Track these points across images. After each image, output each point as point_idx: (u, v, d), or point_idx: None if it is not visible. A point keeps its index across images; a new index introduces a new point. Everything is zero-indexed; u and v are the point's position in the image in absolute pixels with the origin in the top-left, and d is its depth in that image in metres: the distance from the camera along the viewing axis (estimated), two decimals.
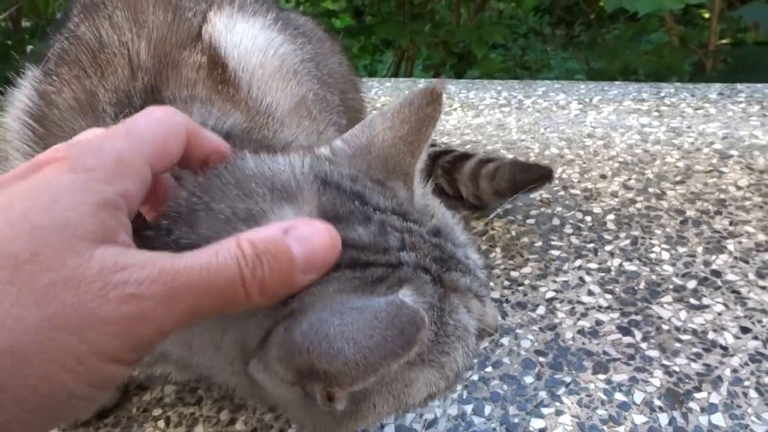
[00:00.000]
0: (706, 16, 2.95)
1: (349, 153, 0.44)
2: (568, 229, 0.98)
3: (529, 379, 0.74)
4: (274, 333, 0.35)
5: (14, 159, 0.55)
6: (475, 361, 0.48)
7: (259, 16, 0.66)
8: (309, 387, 0.35)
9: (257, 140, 0.52)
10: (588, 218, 1.00)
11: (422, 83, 1.66)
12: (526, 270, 0.91)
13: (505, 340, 0.80)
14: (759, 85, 1.34)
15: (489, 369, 0.76)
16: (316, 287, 0.36)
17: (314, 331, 0.33)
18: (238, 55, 0.58)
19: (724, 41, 2.81)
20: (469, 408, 0.72)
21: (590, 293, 0.85)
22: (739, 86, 1.36)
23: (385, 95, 1.59)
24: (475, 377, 0.75)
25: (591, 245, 0.94)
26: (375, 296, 0.36)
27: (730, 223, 0.94)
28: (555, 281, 0.88)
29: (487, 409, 0.71)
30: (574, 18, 3.69)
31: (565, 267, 0.91)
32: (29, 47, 2.52)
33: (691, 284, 0.84)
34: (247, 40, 0.60)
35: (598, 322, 0.81)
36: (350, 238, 0.38)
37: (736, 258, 0.87)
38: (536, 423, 0.69)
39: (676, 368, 0.73)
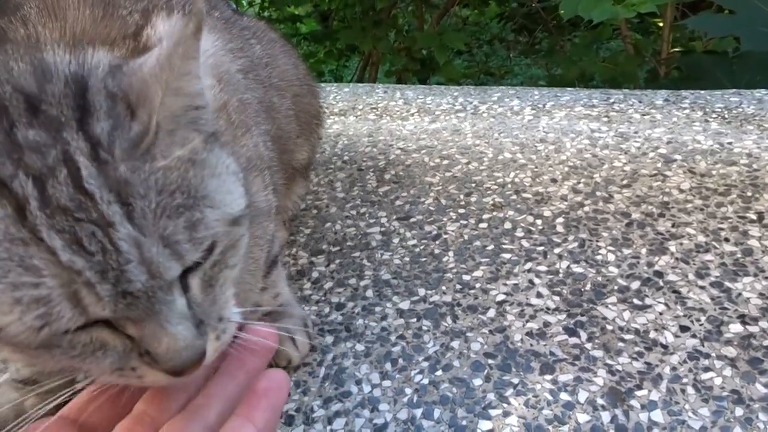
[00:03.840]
0: (660, 25, 3.05)
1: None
2: (519, 233, 1.00)
3: (477, 382, 0.75)
4: None
5: None
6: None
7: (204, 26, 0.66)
8: None
9: None
10: (538, 222, 1.02)
11: (380, 89, 1.67)
12: (477, 273, 0.93)
13: (455, 344, 0.81)
14: (703, 92, 1.40)
15: (439, 372, 0.77)
16: None
17: None
18: None
19: (676, 50, 2.90)
20: (418, 412, 0.72)
21: (539, 295, 0.87)
22: (684, 93, 1.40)
23: (343, 100, 1.59)
24: (426, 381, 0.76)
25: (541, 248, 0.96)
26: None
27: (673, 225, 0.97)
28: (505, 284, 0.90)
29: (437, 413, 0.72)
30: (536, 25, 3.77)
31: (516, 270, 0.92)
32: None
33: (635, 285, 0.87)
34: None
35: (546, 324, 0.82)
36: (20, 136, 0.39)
37: (677, 259, 0.90)
38: (484, 425, 0.70)
39: (619, 367, 0.75)
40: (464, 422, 0.71)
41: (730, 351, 0.75)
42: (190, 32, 0.41)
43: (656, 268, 0.89)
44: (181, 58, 0.41)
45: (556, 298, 0.86)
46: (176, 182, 0.41)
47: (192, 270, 0.43)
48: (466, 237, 1.01)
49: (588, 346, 0.78)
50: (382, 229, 1.06)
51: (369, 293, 0.91)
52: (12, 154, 0.37)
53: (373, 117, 1.49)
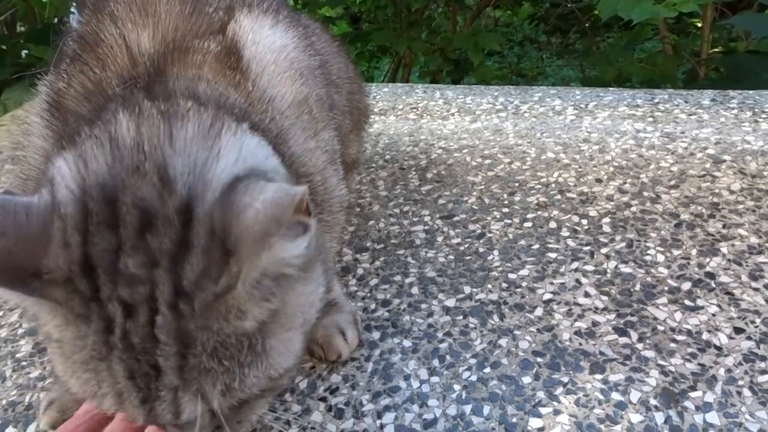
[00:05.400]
0: (698, 25, 2.99)
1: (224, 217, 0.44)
2: (564, 232, 0.99)
3: (527, 380, 0.75)
4: None
5: (32, 145, 0.61)
6: None
7: (281, 23, 0.70)
8: None
9: (255, 122, 0.56)
10: (584, 221, 1.01)
11: (420, 89, 1.68)
12: (523, 272, 0.92)
13: (503, 341, 0.81)
14: (751, 92, 1.37)
15: (487, 369, 0.77)
16: None
17: None
18: (256, 50, 0.62)
19: (716, 50, 2.84)
20: (467, 408, 0.72)
21: (587, 295, 0.87)
22: (731, 93, 1.38)
23: (383, 100, 1.60)
24: (474, 378, 0.76)
25: (587, 248, 0.95)
26: None
27: (724, 227, 0.95)
28: (552, 283, 0.89)
29: (486, 409, 0.72)
30: (569, 26, 3.73)
31: (562, 269, 0.92)
32: (24, 52, 2.55)
33: (686, 286, 0.86)
34: (267, 41, 0.64)
35: (595, 323, 0.82)
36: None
37: (729, 260, 0.89)
38: (534, 422, 0.70)
39: (672, 368, 0.74)
40: (514, 419, 0.70)
41: None
42: (287, 204, 0.39)
43: (708, 269, 0.88)
44: (277, 224, 0.39)
45: (605, 297, 0.86)
46: (234, 347, 0.43)
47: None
48: (510, 236, 1.01)
49: (639, 346, 0.78)
50: (426, 227, 1.06)
51: (414, 290, 0.92)
52: (113, 277, 0.41)
53: (413, 116, 1.50)
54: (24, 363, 0.87)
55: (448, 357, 0.80)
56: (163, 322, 0.40)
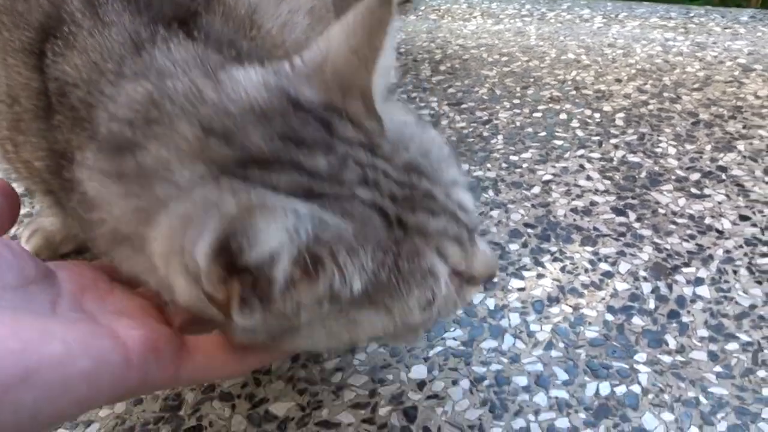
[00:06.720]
0: None
1: (306, 72, 0.38)
2: (574, 124, 0.95)
3: (514, 247, 0.73)
4: None
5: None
6: (459, 309, 0.54)
7: None
8: None
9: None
10: (597, 115, 0.97)
11: None
12: (526, 155, 0.89)
13: (494, 213, 0.78)
14: None
15: None
16: None
17: None
18: None
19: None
20: None
21: (588, 178, 0.83)
22: None
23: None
24: None
25: (596, 138, 0.91)
26: None
27: (744, 127, 0.90)
28: (554, 166, 0.86)
29: None
30: None
31: (567, 155, 0.88)
32: None
33: (695, 176, 0.81)
34: None
35: (593, 203, 0.78)
36: (309, 165, 0.35)
37: (744, 156, 0.84)
38: (516, 283, 0.67)
39: (667, 246, 0.71)
40: (495, 280, 0.68)
41: None
42: None
43: (720, 163, 0.83)
44: None
45: (607, 182, 0.82)
46: None
47: None
48: (518, 124, 0.97)
49: (636, 225, 0.74)
50: (432, 111, 1.02)
51: None
52: None
53: (434, 17, 1.44)
54: None
55: None
56: None
